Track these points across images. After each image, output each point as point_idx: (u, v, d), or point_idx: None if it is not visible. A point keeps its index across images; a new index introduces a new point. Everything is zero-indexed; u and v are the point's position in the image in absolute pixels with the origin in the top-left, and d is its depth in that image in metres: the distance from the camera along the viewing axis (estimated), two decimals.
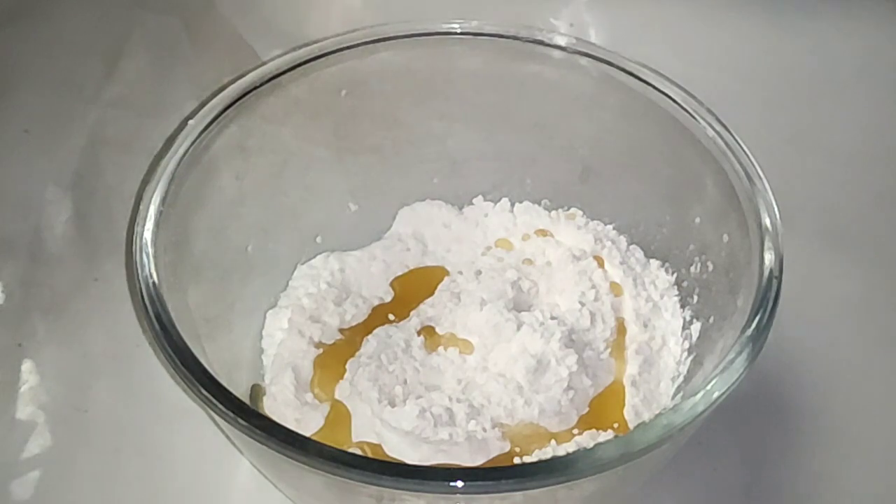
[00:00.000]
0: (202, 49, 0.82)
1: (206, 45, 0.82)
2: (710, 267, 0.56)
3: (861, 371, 0.62)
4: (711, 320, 0.55)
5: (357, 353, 0.58)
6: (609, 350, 0.58)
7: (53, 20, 0.83)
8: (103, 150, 0.74)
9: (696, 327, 0.57)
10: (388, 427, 0.53)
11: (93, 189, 0.72)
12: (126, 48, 0.81)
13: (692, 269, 0.58)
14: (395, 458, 0.52)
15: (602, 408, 0.56)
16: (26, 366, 0.62)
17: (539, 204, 0.66)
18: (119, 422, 0.60)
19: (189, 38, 0.83)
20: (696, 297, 0.58)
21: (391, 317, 0.61)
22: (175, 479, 0.57)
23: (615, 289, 0.61)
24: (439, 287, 0.62)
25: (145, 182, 0.53)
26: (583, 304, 0.59)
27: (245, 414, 0.43)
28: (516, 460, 0.53)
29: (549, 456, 0.53)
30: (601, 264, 0.62)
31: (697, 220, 0.57)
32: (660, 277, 0.61)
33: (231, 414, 0.44)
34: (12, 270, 0.67)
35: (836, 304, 0.65)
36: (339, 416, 0.56)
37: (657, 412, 0.50)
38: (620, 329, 0.60)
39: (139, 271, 0.49)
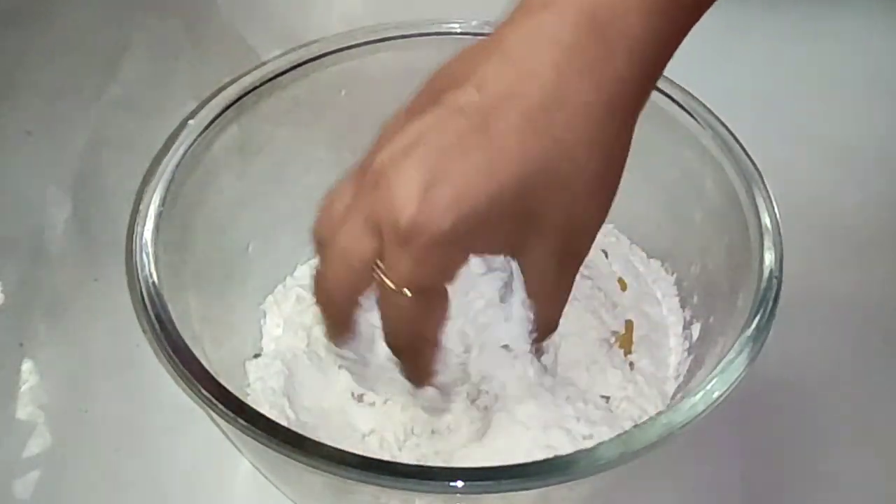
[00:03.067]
0: (203, 50, 0.82)
1: (206, 45, 0.83)
2: (710, 267, 0.56)
3: (861, 370, 0.62)
4: (711, 320, 0.55)
5: None
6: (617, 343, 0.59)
7: (55, 22, 0.83)
8: (104, 150, 0.74)
9: (696, 327, 0.57)
10: None
11: (94, 190, 0.72)
12: (127, 49, 0.81)
13: (692, 268, 0.58)
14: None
15: None
16: (27, 366, 0.62)
17: None
18: (119, 422, 0.60)
19: (190, 38, 0.83)
20: (696, 297, 0.58)
21: None
22: (175, 479, 0.58)
23: (620, 283, 0.61)
24: None
25: (145, 182, 0.53)
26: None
27: (245, 414, 0.44)
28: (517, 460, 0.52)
29: None
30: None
31: (698, 220, 0.57)
32: (660, 277, 0.61)
33: (231, 414, 0.44)
34: (13, 270, 0.67)
35: (835, 303, 0.65)
36: None
37: (657, 411, 0.50)
38: (629, 326, 0.60)
39: (139, 271, 0.49)
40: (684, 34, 0.46)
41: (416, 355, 0.49)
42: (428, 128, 0.44)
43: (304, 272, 0.63)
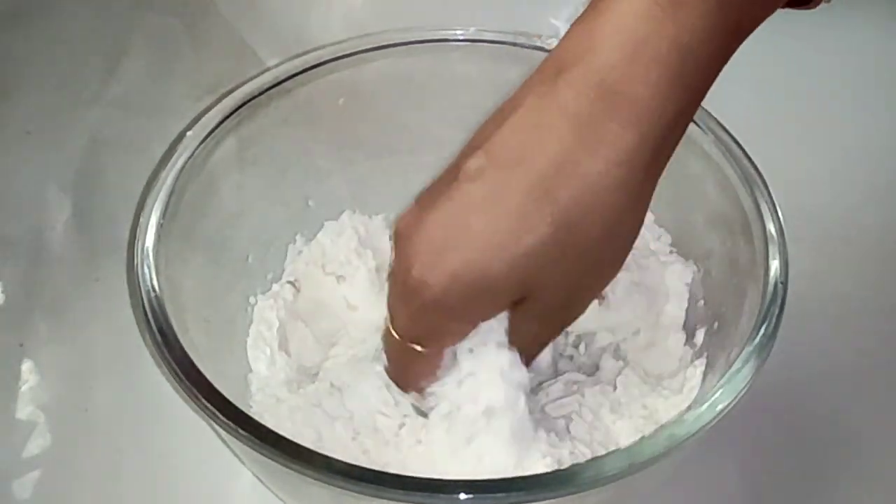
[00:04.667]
0: (202, 50, 0.82)
1: (206, 46, 0.83)
2: (714, 273, 0.56)
3: (864, 373, 0.62)
4: (716, 327, 0.55)
5: None
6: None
7: (54, 21, 0.83)
8: (104, 150, 0.74)
9: (700, 334, 0.56)
10: None
11: (94, 189, 0.72)
12: (126, 49, 0.81)
13: (696, 275, 0.58)
14: None
15: None
16: (27, 365, 0.62)
17: None
18: (119, 422, 0.60)
19: (189, 38, 0.83)
20: (700, 304, 0.57)
21: None
22: (175, 479, 0.58)
23: None
24: None
25: (145, 194, 0.53)
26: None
27: (248, 426, 0.44)
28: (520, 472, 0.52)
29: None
30: None
31: (699, 225, 0.57)
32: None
33: (232, 425, 0.44)
34: (13, 270, 0.67)
35: (839, 306, 0.65)
36: None
37: (662, 423, 0.50)
38: None
39: (140, 284, 0.49)
40: (700, 97, 0.46)
41: (405, 386, 0.52)
42: (443, 193, 0.46)
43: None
